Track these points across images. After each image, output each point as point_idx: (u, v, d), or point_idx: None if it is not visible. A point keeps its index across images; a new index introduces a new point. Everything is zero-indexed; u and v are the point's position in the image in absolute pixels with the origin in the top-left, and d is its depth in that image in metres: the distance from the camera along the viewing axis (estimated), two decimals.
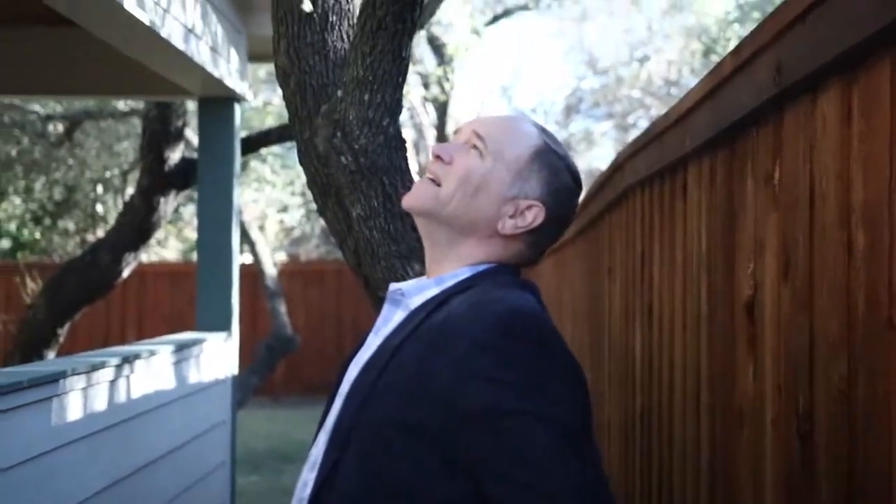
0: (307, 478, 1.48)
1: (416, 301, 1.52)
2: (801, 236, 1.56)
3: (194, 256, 15.45)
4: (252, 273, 11.10)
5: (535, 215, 1.52)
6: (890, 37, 1.24)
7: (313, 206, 13.97)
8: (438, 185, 1.52)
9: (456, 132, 1.60)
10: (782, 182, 1.66)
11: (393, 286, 1.57)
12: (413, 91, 11.80)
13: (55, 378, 3.18)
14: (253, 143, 7.52)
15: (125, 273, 7.07)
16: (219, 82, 5.04)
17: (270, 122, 12.92)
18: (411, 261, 2.47)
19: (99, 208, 14.33)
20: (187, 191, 7.23)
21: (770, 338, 1.71)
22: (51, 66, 5.57)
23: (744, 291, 1.87)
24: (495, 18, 15.24)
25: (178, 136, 6.86)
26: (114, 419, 3.73)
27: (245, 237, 10.07)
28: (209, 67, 4.77)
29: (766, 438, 1.70)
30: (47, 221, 14.34)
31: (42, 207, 14.02)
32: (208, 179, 5.48)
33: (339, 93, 2.52)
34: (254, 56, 5.77)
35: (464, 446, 1.35)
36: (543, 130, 1.58)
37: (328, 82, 2.66)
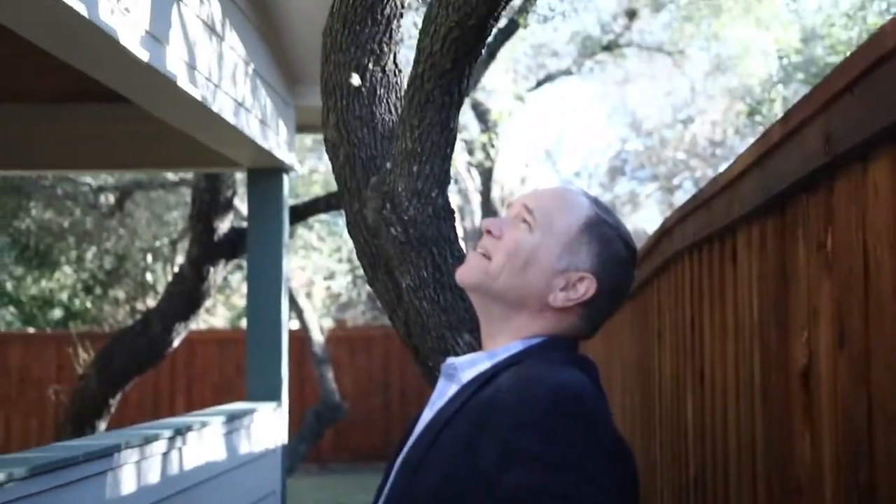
0: None
1: (468, 375, 1.52)
2: (856, 305, 1.54)
3: (242, 323, 15.56)
4: (299, 339, 11.14)
5: (586, 287, 1.50)
6: None
7: (360, 271, 14.05)
8: (489, 258, 1.53)
9: (508, 206, 1.61)
10: (835, 250, 1.65)
11: (447, 361, 1.57)
12: (458, 157, 11.90)
13: (109, 452, 3.21)
14: (301, 213, 7.60)
15: (175, 342, 7.13)
16: (268, 154, 5.12)
17: (317, 189, 13.06)
18: (461, 331, 2.47)
19: (149, 277, 14.51)
20: (235, 259, 7.31)
21: (827, 408, 1.69)
22: (104, 141, 5.70)
23: (798, 360, 1.84)
24: (538, 84, 15.36)
25: (228, 205, 6.96)
26: (167, 491, 3.74)
27: (292, 304, 10.13)
28: (258, 140, 4.85)
29: None
30: (98, 291, 14.54)
31: (93, 277, 14.23)
32: (258, 250, 5.54)
33: (388, 165, 2.55)
34: (301, 127, 5.86)
35: None
36: (595, 202, 1.57)
37: (377, 154, 2.70)
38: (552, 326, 1.53)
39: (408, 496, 1.42)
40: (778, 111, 13.22)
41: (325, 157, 2.80)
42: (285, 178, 5.63)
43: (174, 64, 3.68)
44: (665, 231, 3.48)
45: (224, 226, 6.94)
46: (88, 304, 14.82)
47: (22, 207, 11.71)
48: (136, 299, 14.54)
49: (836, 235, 1.65)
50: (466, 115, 12.58)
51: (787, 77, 13.38)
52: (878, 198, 1.46)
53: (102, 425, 7.07)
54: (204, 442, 4.20)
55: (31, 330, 14.50)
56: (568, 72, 16.13)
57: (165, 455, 3.73)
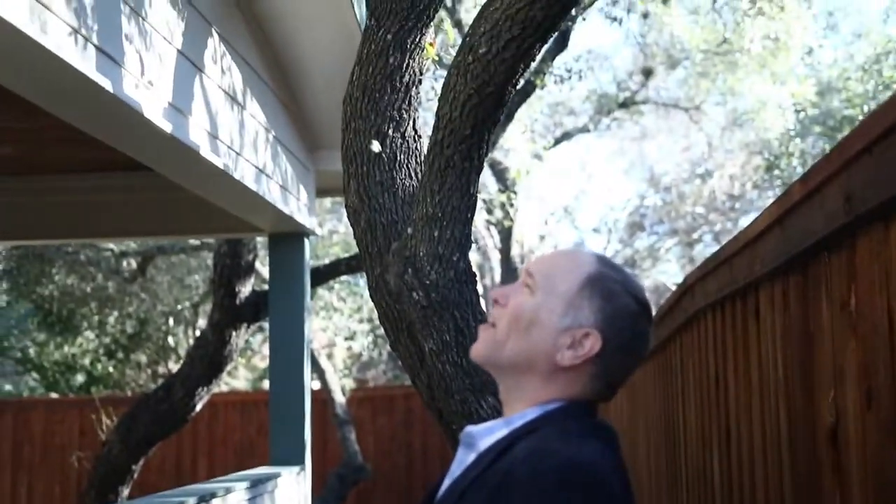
0: None
1: (485, 443, 1.51)
2: (883, 364, 1.54)
3: (263, 385, 15.55)
4: (321, 400, 11.11)
5: (592, 343, 1.49)
6: None
7: (380, 331, 14.03)
8: (496, 327, 1.55)
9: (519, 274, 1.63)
10: (859, 309, 1.65)
11: (466, 429, 1.57)
12: (477, 216, 11.90)
13: None
14: (322, 275, 7.64)
15: (198, 407, 7.13)
16: (289, 219, 5.16)
17: (336, 251, 13.11)
18: (485, 394, 2.47)
19: (170, 341, 14.54)
20: (257, 322, 7.33)
21: (857, 468, 1.67)
22: (127, 210, 5.76)
23: (825, 418, 1.84)
24: (556, 142, 15.46)
25: (249, 269, 7.00)
26: None
27: (314, 365, 10.13)
28: (279, 205, 4.89)
29: None
30: (120, 355, 14.58)
31: (115, 341, 14.28)
32: (280, 315, 5.56)
33: (410, 230, 2.57)
34: (321, 191, 5.91)
35: None
36: (601, 259, 1.57)
37: (398, 219, 2.72)
38: (567, 389, 1.51)
39: None
40: (796, 164, 13.23)
41: (345, 218, 2.82)
42: (306, 242, 5.67)
43: (197, 134, 3.74)
44: (686, 288, 3.49)
45: (245, 289, 6.97)
46: (110, 369, 14.85)
47: (45, 273, 11.81)
48: (158, 363, 14.56)
49: (859, 294, 1.65)
50: (485, 175, 12.65)
51: (804, 130, 13.41)
52: None
53: (125, 491, 7.06)
54: None
55: (53, 395, 14.53)
56: (585, 129, 16.25)
57: None
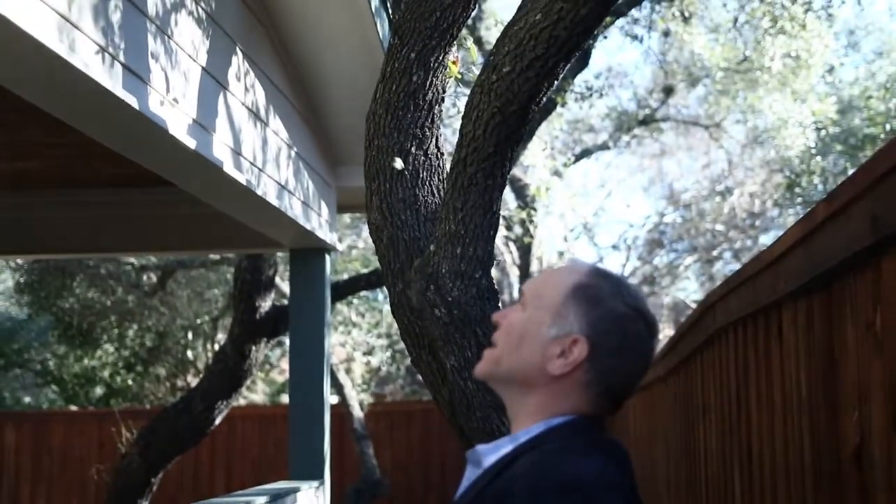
0: None
1: (490, 460, 1.52)
2: None
3: (282, 399, 15.57)
4: (339, 415, 11.12)
5: (579, 349, 1.49)
6: None
7: (399, 345, 14.05)
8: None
9: None
10: (884, 329, 1.65)
11: (475, 448, 1.58)
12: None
13: None
14: (342, 291, 7.66)
15: (217, 420, 7.15)
16: (310, 234, 5.18)
17: (356, 266, 13.14)
18: (506, 412, 2.47)
19: (189, 354, 14.60)
20: (277, 337, 7.35)
21: (882, 489, 1.67)
22: (150, 225, 5.80)
23: (850, 439, 1.83)
24: (576, 159, 15.46)
25: (269, 285, 7.02)
26: None
27: (332, 380, 10.15)
28: (301, 221, 4.91)
29: None
30: (139, 368, 14.64)
31: (134, 354, 14.34)
32: (300, 330, 5.57)
33: (432, 247, 2.58)
34: (342, 207, 5.93)
35: None
36: (593, 269, 1.58)
37: (420, 236, 2.73)
38: (568, 402, 1.51)
39: None
40: (817, 182, 13.18)
41: (364, 233, 2.83)
42: (327, 257, 5.69)
43: (220, 150, 3.77)
44: (707, 307, 3.48)
45: (266, 304, 7.00)
46: (130, 382, 14.91)
47: (65, 287, 11.88)
48: (177, 376, 14.62)
49: (884, 315, 1.65)
50: (504, 191, 12.61)
51: (825, 148, 13.37)
52: None
53: None
54: None
55: (73, 408, 14.59)
56: (605, 146, 16.24)
57: None
